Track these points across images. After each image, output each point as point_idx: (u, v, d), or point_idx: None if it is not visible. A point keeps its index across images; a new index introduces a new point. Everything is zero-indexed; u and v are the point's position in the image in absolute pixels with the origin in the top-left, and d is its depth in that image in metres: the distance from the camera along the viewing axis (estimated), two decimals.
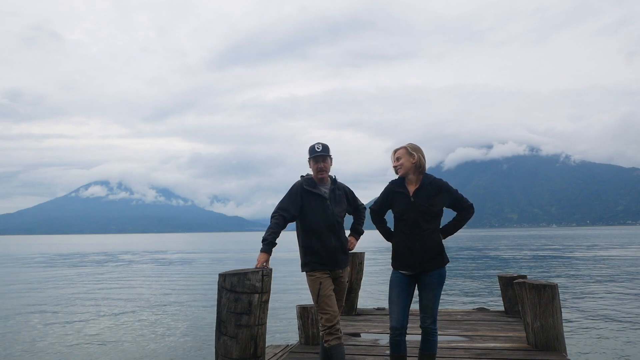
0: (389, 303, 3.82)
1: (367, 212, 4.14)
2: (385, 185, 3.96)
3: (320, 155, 3.94)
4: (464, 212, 3.81)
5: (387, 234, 3.98)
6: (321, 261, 3.90)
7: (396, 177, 3.93)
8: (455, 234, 4.00)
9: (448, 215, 3.88)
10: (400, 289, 3.75)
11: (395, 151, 3.86)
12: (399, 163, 3.79)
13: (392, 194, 3.85)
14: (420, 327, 3.79)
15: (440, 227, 3.81)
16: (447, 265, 3.80)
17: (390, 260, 3.89)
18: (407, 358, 3.92)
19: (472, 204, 3.84)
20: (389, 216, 4.02)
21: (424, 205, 3.70)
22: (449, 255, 3.84)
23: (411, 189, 3.78)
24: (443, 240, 3.81)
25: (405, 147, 3.81)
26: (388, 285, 3.87)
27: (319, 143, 3.99)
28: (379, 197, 3.98)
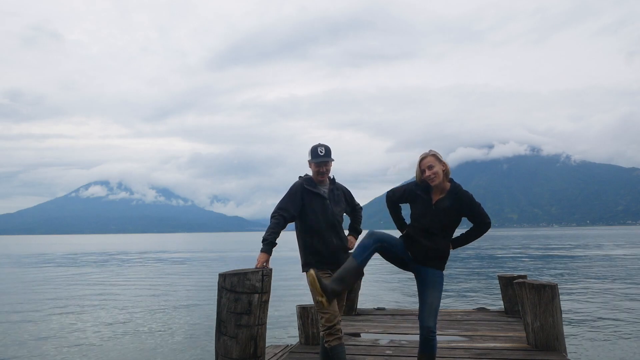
0: (381, 232, 3.70)
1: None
2: (409, 182, 3.84)
3: (322, 162, 3.93)
4: (481, 227, 3.72)
5: (399, 222, 3.90)
6: (323, 261, 3.90)
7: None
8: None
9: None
10: (398, 242, 3.68)
11: (423, 159, 3.63)
12: (432, 172, 3.56)
13: (414, 195, 3.72)
14: (421, 329, 3.67)
15: (453, 237, 3.75)
16: (449, 265, 3.78)
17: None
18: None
19: (489, 222, 3.72)
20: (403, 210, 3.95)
21: (444, 214, 3.61)
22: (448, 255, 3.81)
23: (435, 196, 3.66)
24: (452, 251, 3.74)
25: (434, 155, 3.62)
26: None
27: (321, 146, 3.94)
28: (399, 188, 3.87)
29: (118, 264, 35.99)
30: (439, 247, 3.65)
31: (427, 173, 3.58)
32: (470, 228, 3.79)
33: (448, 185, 3.67)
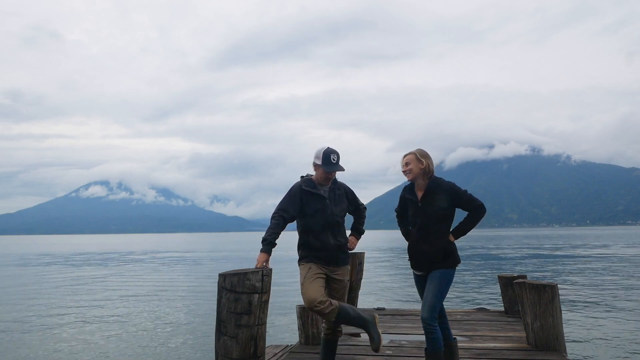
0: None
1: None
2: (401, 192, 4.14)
3: (334, 171, 3.95)
4: (474, 212, 3.85)
5: (405, 234, 4.16)
6: (319, 256, 3.93)
7: (408, 181, 4.04)
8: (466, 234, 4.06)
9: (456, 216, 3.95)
10: (420, 288, 4.00)
11: (405, 155, 3.94)
12: (407, 168, 3.87)
13: (404, 200, 4.04)
14: (422, 323, 3.79)
15: (452, 228, 3.89)
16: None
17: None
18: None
19: (482, 204, 3.85)
20: None
21: (432, 209, 3.79)
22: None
23: (419, 194, 3.89)
24: (456, 241, 3.88)
25: (414, 153, 3.88)
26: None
27: (334, 153, 3.93)
28: (399, 205, 4.17)
29: (118, 264, 35.99)
30: (437, 249, 3.77)
31: (403, 168, 3.91)
32: (467, 215, 3.91)
33: (428, 182, 3.88)
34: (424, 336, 3.80)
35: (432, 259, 3.77)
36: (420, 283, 3.97)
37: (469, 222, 3.86)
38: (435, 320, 3.72)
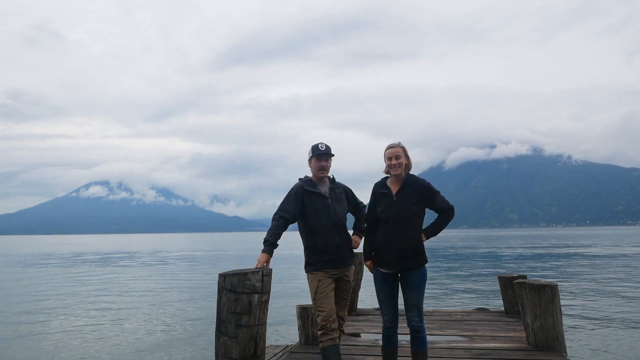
0: (379, 300, 3.95)
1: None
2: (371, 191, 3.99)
3: (324, 153, 3.99)
4: (445, 213, 3.84)
5: (371, 245, 3.90)
6: (327, 259, 3.92)
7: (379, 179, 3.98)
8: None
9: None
10: (385, 286, 3.87)
11: (391, 148, 3.81)
12: (398, 162, 3.76)
13: (376, 196, 3.90)
14: (409, 326, 3.87)
15: (424, 227, 3.87)
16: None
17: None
18: (404, 358, 3.95)
19: (452, 206, 3.85)
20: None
21: (406, 204, 3.76)
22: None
23: (394, 188, 3.84)
24: (426, 241, 3.87)
25: (402, 147, 3.82)
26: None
27: (321, 143, 4.03)
28: (369, 205, 3.96)
29: (118, 264, 35.99)
30: (409, 245, 3.72)
31: (393, 162, 3.77)
32: (438, 217, 3.90)
33: (404, 177, 3.85)
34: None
35: (404, 255, 3.71)
36: (386, 281, 3.84)
37: (439, 223, 3.86)
38: (423, 320, 3.88)
